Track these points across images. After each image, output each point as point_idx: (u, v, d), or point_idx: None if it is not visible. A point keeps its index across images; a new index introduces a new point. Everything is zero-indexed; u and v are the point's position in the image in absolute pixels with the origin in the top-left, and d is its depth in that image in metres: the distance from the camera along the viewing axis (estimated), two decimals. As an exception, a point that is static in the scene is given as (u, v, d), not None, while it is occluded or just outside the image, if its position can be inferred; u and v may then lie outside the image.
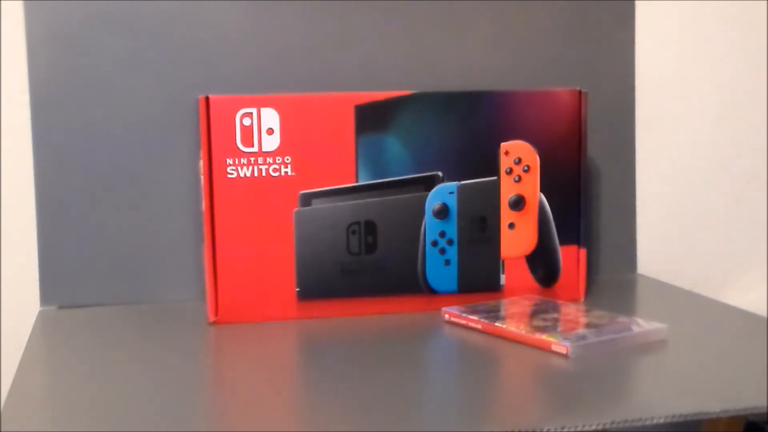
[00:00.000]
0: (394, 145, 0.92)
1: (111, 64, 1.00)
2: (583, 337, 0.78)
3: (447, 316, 0.89)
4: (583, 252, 0.97)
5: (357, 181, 0.92)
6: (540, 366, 0.74)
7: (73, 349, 0.83)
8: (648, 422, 0.62)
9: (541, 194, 0.95)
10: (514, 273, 0.95)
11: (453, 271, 0.94)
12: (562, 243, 0.96)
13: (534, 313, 0.87)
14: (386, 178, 0.92)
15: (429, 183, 0.93)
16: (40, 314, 0.97)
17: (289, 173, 0.90)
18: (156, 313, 0.97)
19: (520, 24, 1.08)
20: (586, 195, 0.96)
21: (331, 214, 0.91)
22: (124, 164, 1.01)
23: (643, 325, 0.82)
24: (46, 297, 1.01)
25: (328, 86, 1.04)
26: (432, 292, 0.94)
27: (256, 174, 0.90)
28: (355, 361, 0.77)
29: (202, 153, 0.89)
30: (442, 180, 0.93)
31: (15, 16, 0.99)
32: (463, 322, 0.87)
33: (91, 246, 1.01)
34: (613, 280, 1.09)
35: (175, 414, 0.65)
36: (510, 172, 0.94)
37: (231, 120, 0.89)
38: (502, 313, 0.87)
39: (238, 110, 0.89)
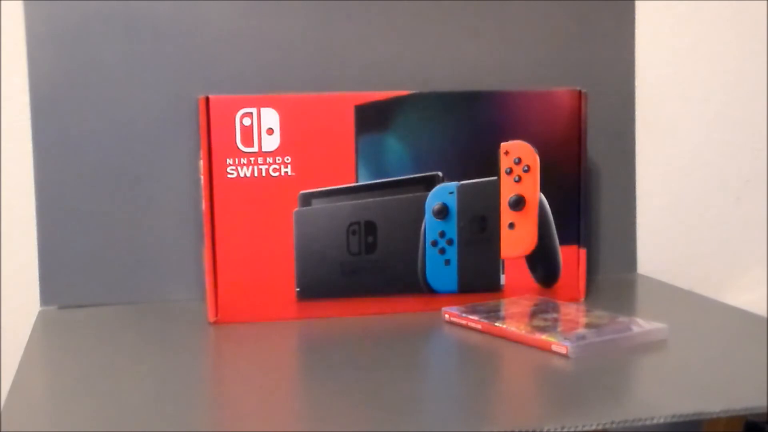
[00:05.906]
0: (394, 145, 0.92)
1: (111, 64, 1.00)
2: (583, 337, 0.78)
3: (447, 316, 0.89)
4: (583, 252, 0.97)
5: (357, 181, 0.92)
6: (540, 366, 0.74)
7: (73, 349, 0.83)
8: (648, 422, 0.62)
9: (541, 194, 0.95)
10: (514, 273, 0.95)
11: (453, 271, 0.94)
12: (562, 243, 0.96)
13: (534, 313, 0.87)
14: (386, 178, 0.92)
15: (429, 183, 0.93)
16: (40, 314, 0.97)
17: (289, 173, 0.90)
18: (156, 313, 0.97)
19: (519, 24, 1.08)
20: (586, 195, 0.96)
21: (331, 214, 0.91)
22: (124, 164, 1.01)
23: (643, 325, 0.82)
24: (46, 297, 1.01)
25: (328, 86, 1.04)
26: (432, 292, 0.94)
27: (256, 174, 0.90)
28: (355, 361, 0.77)
29: (202, 153, 0.89)
30: (442, 180, 0.93)
31: (15, 16, 0.99)
32: (463, 322, 0.87)
33: (91, 246, 1.01)
34: (613, 280, 1.09)
35: (175, 414, 0.65)
36: (510, 172, 0.94)
37: (231, 120, 0.89)
38: (502, 313, 0.87)
39: (238, 110, 0.89)
